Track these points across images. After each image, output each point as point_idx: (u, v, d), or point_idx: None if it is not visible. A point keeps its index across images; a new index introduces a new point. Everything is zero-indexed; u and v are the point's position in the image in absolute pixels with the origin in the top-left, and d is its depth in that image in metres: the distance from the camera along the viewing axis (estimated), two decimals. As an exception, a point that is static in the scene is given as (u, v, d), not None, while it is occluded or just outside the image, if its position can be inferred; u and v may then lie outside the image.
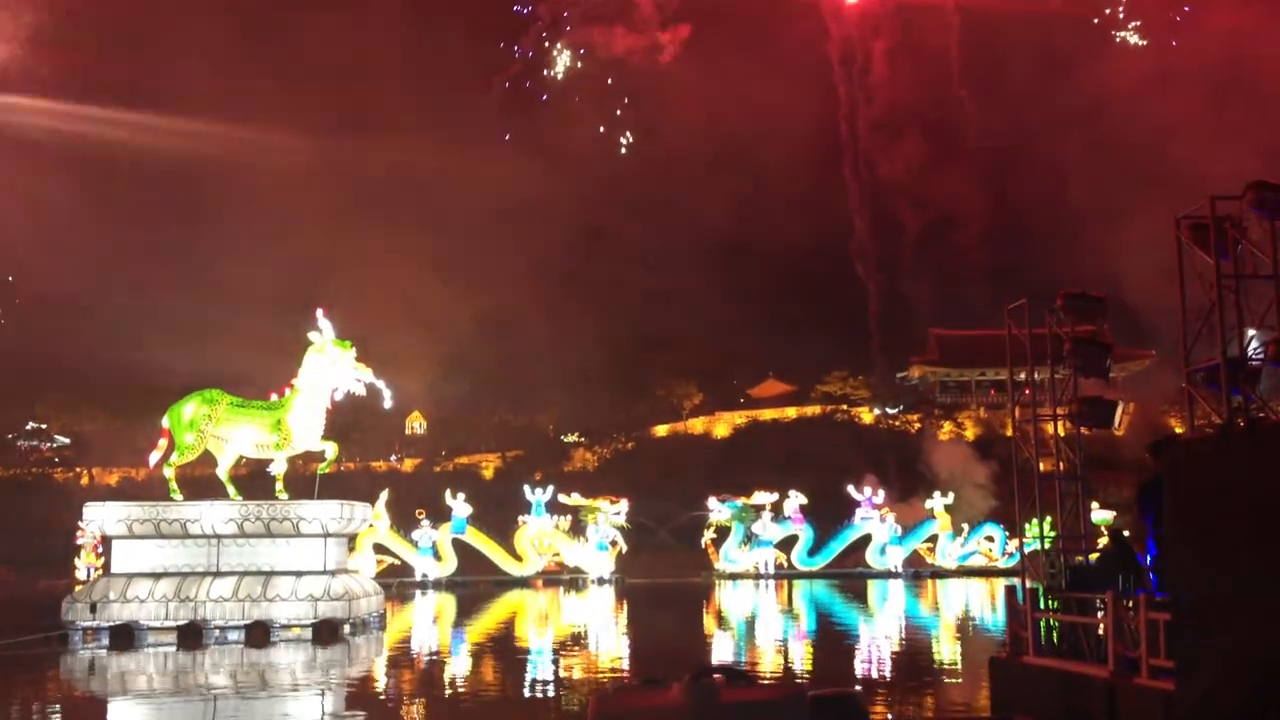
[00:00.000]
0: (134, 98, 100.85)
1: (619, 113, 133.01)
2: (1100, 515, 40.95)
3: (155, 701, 20.62)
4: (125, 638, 29.04)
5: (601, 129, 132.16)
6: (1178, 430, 42.20)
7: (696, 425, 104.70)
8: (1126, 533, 17.25)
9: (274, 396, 32.90)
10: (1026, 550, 22.73)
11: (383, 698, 20.52)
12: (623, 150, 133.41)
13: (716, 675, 4.81)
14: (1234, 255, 15.26)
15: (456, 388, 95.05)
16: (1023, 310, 20.01)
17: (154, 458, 33.31)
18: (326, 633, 29.26)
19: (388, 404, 33.60)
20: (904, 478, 77.00)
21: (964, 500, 71.73)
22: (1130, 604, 13.23)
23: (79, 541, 63.46)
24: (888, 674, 21.86)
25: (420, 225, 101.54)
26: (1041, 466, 19.94)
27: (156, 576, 30.47)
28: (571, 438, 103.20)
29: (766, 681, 13.42)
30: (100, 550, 54.60)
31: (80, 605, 30.20)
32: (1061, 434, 19.73)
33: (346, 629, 29.97)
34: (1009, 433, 20.86)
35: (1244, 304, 14.92)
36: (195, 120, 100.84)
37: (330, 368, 32.06)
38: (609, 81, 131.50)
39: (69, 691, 23.01)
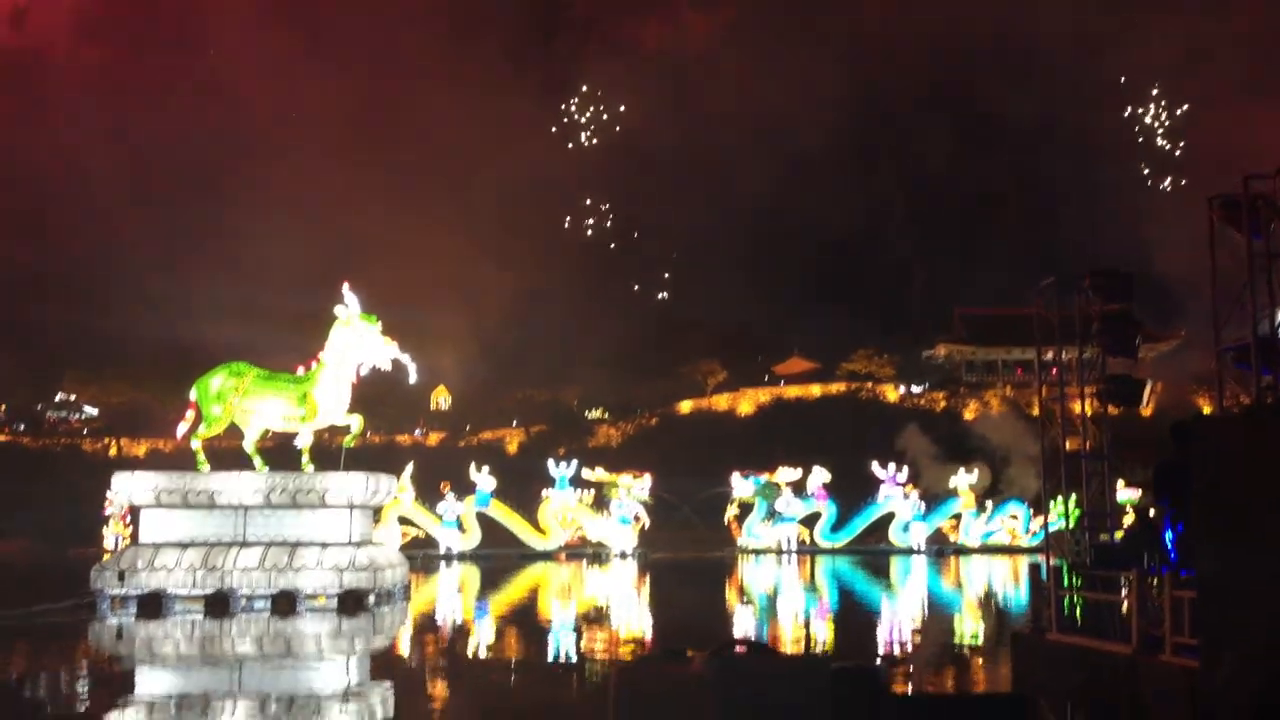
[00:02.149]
0: (172, 75, 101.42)
1: (651, 94, 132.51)
2: (1126, 494, 40.76)
3: (183, 668, 20.84)
4: (153, 606, 29.32)
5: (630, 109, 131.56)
6: (1206, 410, 41.97)
7: (721, 402, 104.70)
8: (1152, 511, 17.16)
9: (300, 370, 33.04)
10: (1051, 528, 22.70)
11: (408, 667, 20.68)
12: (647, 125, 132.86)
13: (738, 648, 4.83)
14: (1266, 234, 15.15)
15: (481, 363, 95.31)
16: (1051, 289, 19.89)
17: (181, 429, 33.55)
18: (352, 603, 29.47)
19: (413, 379, 33.70)
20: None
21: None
22: (1154, 582, 13.20)
23: (107, 511, 64.14)
24: (909, 649, 21.89)
25: (448, 202, 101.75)
26: (1068, 445, 19.88)
27: (184, 546, 30.73)
28: (595, 414, 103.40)
29: (788, 655, 13.45)
30: (128, 520, 55.15)
31: (109, 574, 30.51)
32: (1088, 413, 19.66)
33: (371, 599, 30.19)
34: (1035, 412, 20.76)
35: (1276, 283, 14.81)
36: (229, 97, 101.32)
37: (356, 342, 32.16)
38: (641, 64, 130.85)
39: (99, 657, 23.29)
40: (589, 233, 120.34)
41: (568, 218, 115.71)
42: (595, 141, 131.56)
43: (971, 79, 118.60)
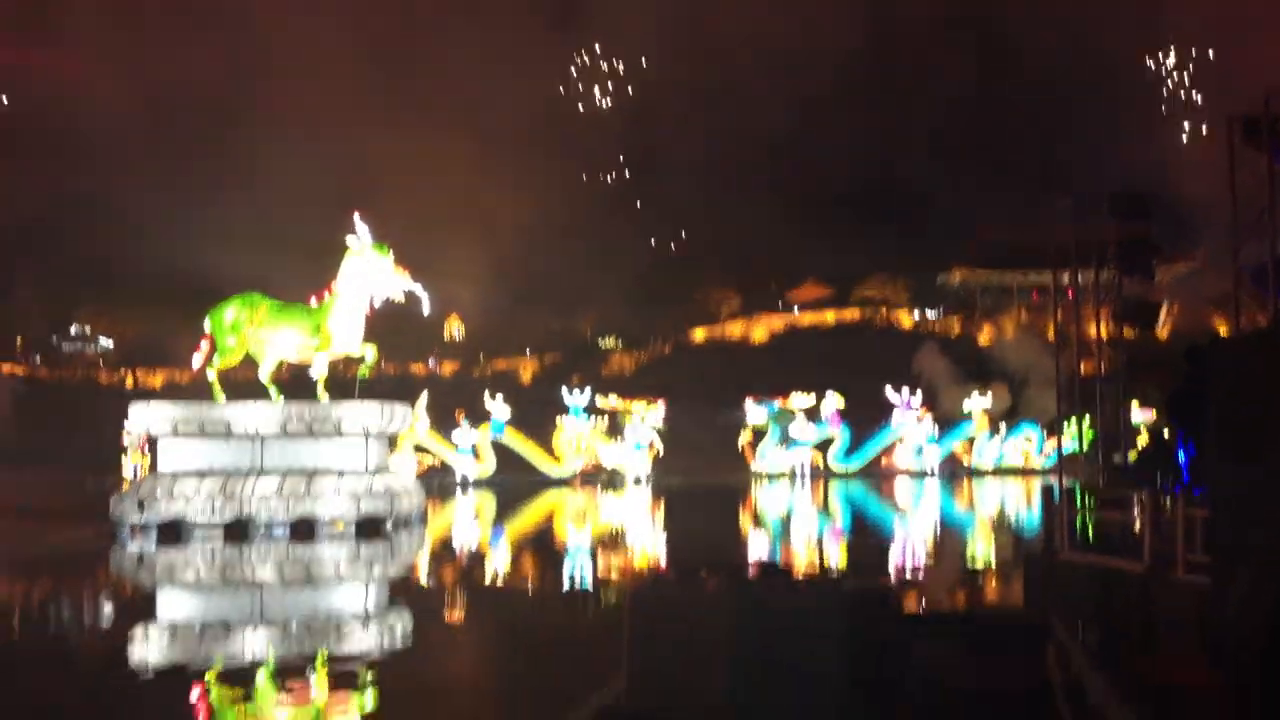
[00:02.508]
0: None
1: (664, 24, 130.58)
2: (1141, 416, 40.75)
3: (205, 592, 21.14)
4: (173, 533, 29.69)
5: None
6: (1222, 332, 41.80)
7: (734, 329, 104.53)
8: (1166, 432, 17.17)
9: (314, 301, 33.07)
10: (1065, 451, 22.74)
11: (426, 591, 20.92)
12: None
13: (752, 571, 4.86)
14: (1287, 153, 14.99)
15: (494, 292, 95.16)
16: (1067, 212, 19.75)
17: (196, 360, 33.68)
18: (369, 529, 29.81)
19: (426, 309, 33.74)
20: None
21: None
22: (1167, 501, 13.24)
23: (125, 442, 64.70)
24: (921, 570, 22.05)
25: (462, 130, 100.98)
26: (1083, 368, 19.87)
27: (202, 475, 31.00)
28: (609, 342, 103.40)
29: (801, 576, 13.54)
30: (146, 450, 55.60)
31: (128, 503, 30.83)
32: (1104, 336, 19.61)
33: (389, 526, 30.50)
34: (1050, 336, 20.71)
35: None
36: (244, 23, 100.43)
37: (368, 272, 32.14)
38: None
39: (122, 583, 23.62)
40: (607, 179, 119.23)
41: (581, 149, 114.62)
42: (610, 89, 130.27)
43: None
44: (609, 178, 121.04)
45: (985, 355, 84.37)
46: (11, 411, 74.54)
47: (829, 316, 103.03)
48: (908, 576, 20.19)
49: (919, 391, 74.22)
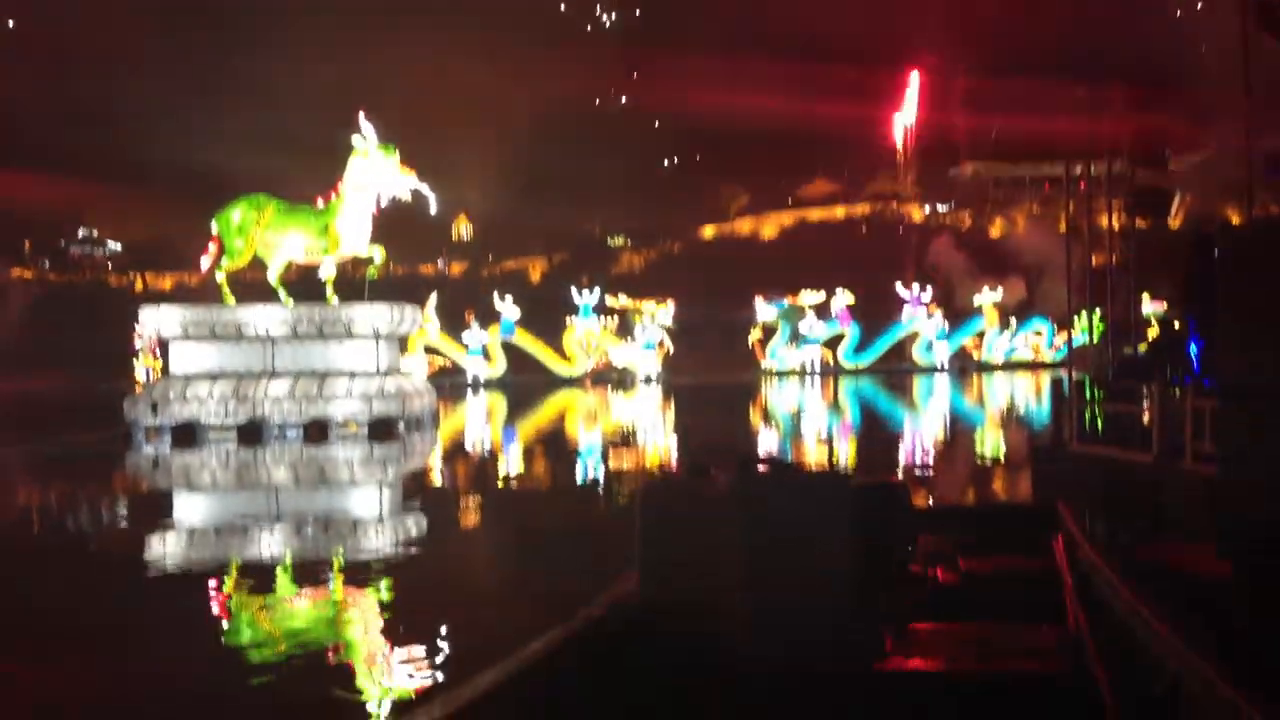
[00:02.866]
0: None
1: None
2: (1151, 308, 40.60)
3: (222, 493, 21.38)
4: (187, 436, 29.95)
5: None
6: (1235, 221, 41.48)
7: (743, 226, 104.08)
8: (1176, 324, 17.13)
9: (320, 202, 32.92)
10: (1075, 343, 22.71)
11: (439, 490, 21.14)
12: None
13: (761, 466, 4.87)
14: (1303, 38, 14.73)
15: (502, 192, 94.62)
16: (1082, 102, 19.50)
17: (205, 263, 33.64)
18: (382, 430, 30.02)
19: (433, 209, 33.59)
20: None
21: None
22: (1177, 392, 13.25)
23: (136, 345, 64.97)
24: (931, 464, 22.19)
25: (468, 25, 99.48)
26: (1094, 260, 19.76)
27: (214, 377, 31.16)
28: (618, 240, 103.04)
29: (809, 471, 13.64)
30: (158, 353, 55.85)
31: (142, 405, 31.04)
32: (1115, 227, 19.47)
33: (401, 427, 30.70)
34: (1062, 228, 20.56)
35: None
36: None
37: (374, 172, 31.92)
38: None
39: (139, 484, 23.89)
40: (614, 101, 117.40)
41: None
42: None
43: None
44: (618, 72, 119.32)
45: (1001, 248, 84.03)
46: (23, 317, 74.66)
47: (839, 212, 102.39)
48: (917, 470, 20.32)
49: (929, 287, 74.02)
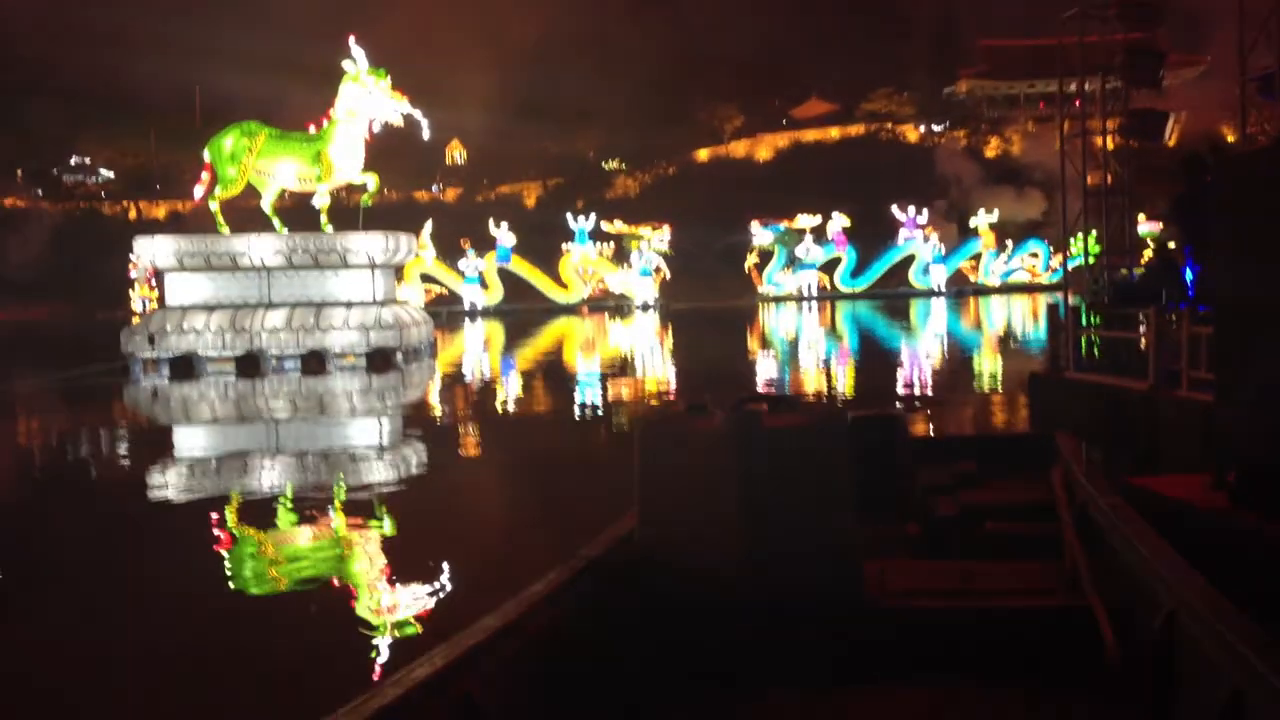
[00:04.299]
0: None
1: None
2: (1147, 227, 40.53)
3: (222, 425, 21.46)
4: (185, 368, 30.00)
5: None
6: (1230, 139, 41.19)
7: (738, 148, 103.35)
8: (1172, 245, 17.11)
9: (312, 128, 32.67)
10: (1070, 266, 22.68)
11: (439, 420, 21.23)
12: None
13: (759, 401, 4.89)
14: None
15: (496, 116, 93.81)
16: (1076, 19, 19.32)
17: (198, 191, 33.46)
18: (380, 360, 30.07)
19: (426, 135, 33.31)
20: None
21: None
22: (1173, 318, 13.27)
23: (132, 275, 64.87)
24: (929, 392, 22.28)
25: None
26: (1089, 180, 19.69)
27: (211, 309, 31.14)
28: (612, 164, 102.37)
29: (806, 405, 13.68)
30: (153, 284, 55.77)
31: (139, 337, 31.04)
32: (1110, 147, 19.38)
33: (399, 357, 30.75)
34: (1057, 146, 20.46)
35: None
36: None
37: (366, 98, 31.64)
38: None
39: (138, 417, 23.97)
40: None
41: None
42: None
43: None
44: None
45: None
46: (43, 249, 73.86)
47: (834, 133, 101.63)
48: (915, 399, 20.40)
49: (925, 210, 73.74)
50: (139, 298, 64.43)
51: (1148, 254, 21.83)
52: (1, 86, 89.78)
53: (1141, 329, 14.85)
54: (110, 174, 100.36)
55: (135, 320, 36.29)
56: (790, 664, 4.27)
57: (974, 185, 78.09)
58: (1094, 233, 19.72)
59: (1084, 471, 5.94)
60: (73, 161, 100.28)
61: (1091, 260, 20.43)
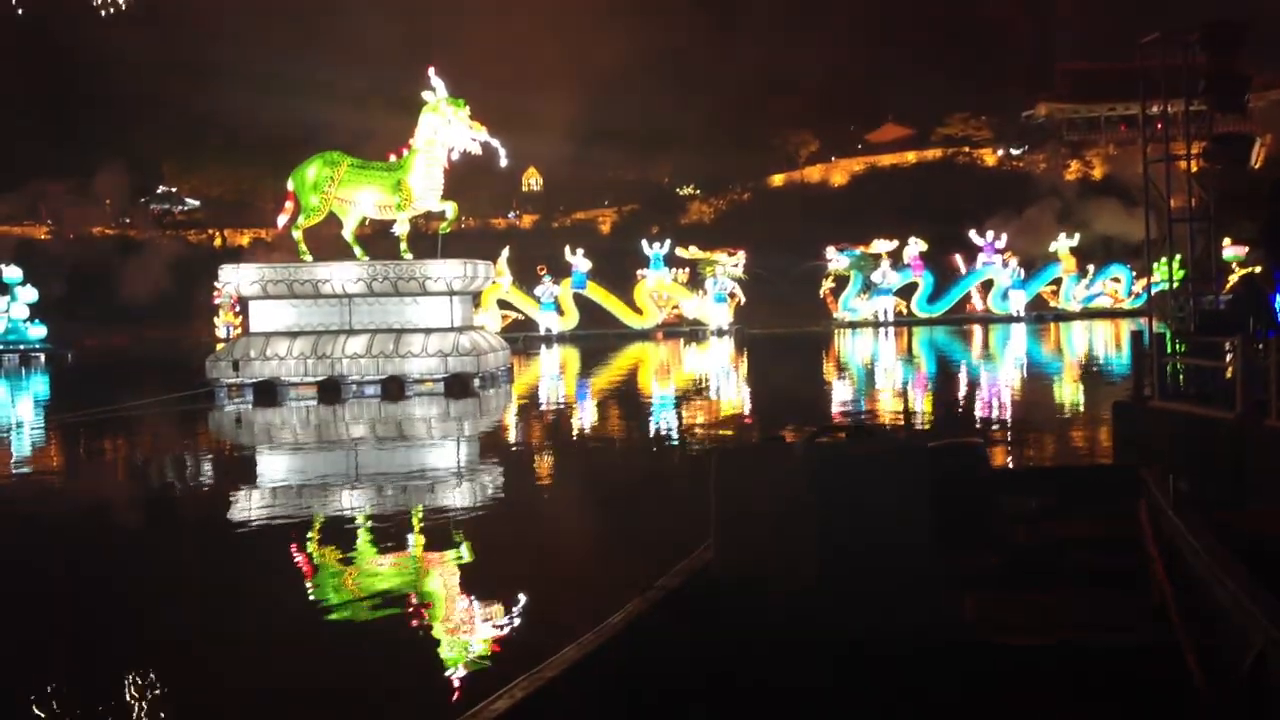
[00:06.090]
0: None
1: None
2: (1231, 252, 39.67)
3: (305, 450, 21.78)
4: (268, 393, 30.53)
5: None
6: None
7: (813, 173, 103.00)
8: (1259, 269, 16.76)
9: (392, 158, 33.19)
10: (1154, 291, 22.30)
11: (516, 446, 21.36)
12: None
13: (838, 432, 4.89)
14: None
15: (572, 142, 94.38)
16: (1157, 44, 19.04)
17: (282, 220, 34.15)
18: (458, 386, 30.35)
19: (504, 162, 33.68)
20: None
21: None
22: (1260, 346, 13.00)
23: (216, 301, 66.10)
24: (1009, 420, 21.99)
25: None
26: (1173, 204, 19.36)
27: (293, 335, 31.68)
28: (687, 190, 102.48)
29: (884, 435, 13.60)
30: (237, 310, 56.81)
31: (223, 363, 31.66)
32: (1194, 169, 19.05)
33: (476, 382, 31.02)
34: (1139, 170, 20.12)
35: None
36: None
37: (445, 127, 32.07)
38: None
39: (223, 442, 24.41)
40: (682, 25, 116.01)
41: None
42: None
43: None
44: (684, 23, 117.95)
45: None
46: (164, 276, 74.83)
47: (910, 157, 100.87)
48: (995, 428, 20.15)
49: (1003, 235, 72.89)
50: (223, 324, 65.63)
51: (1233, 279, 21.42)
52: (104, 118, 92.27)
53: (1228, 357, 14.55)
54: (195, 203, 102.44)
55: (219, 347, 36.99)
56: (870, 702, 4.25)
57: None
58: (1179, 257, 19.37)
59: (1172, 506, 5.85)
60: (159, 190, 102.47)
61: (1175, 285, 20.06)
